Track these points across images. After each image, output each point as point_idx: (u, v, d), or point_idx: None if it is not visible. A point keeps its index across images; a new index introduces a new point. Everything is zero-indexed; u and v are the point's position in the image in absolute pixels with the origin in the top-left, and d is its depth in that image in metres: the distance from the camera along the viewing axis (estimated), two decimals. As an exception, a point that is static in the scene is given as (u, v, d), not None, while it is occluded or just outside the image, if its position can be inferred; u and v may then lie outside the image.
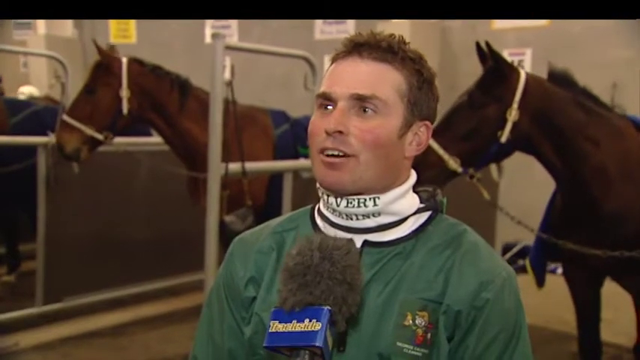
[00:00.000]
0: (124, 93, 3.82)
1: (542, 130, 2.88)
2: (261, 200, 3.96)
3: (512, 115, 2.83)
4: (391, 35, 1.22)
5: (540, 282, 3.32)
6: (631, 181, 2.93)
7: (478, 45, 2.97)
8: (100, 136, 3.86)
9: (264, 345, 1.07)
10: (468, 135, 2.90)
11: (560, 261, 3.35)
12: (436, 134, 2.85)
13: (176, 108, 3.93)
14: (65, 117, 3.87)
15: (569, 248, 2.96)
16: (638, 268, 2.90)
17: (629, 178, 2.93)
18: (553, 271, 4.52)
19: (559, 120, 2.89)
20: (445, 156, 2.88)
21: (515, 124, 2.85)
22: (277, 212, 3.74)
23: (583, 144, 2.89)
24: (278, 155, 4.18)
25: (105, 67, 3.85)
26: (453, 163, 2.90)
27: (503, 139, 2.86)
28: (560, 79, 2.97)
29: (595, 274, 3.12)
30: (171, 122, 3.96)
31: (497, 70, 2.88)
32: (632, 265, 2.89)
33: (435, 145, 2.86)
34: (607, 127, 2.94)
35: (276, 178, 3.93)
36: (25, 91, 6.88)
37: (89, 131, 3.82)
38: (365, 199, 1.21)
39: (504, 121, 2.84)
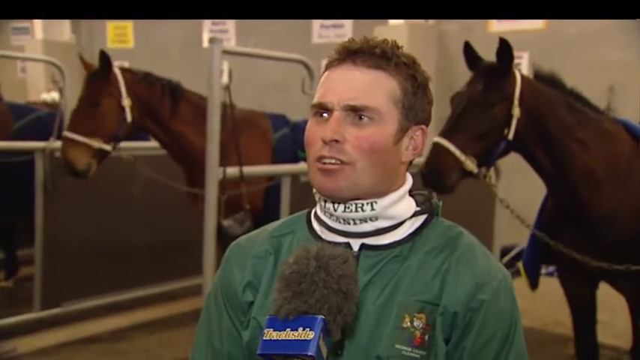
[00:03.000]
0: (126, 102, 3.81)
1: (533, 128, 2.90)
2: (258, 204, 3.96)
3: (516, 112, 2.85)
4: (384, 41, 1.23)
5: (533, 284, 3.33)
6: (621, 185, 2.95)
7: (467, 46, 2.97)
8: (108, 147, 3.81)
9: (257, 353, 1.08)
10: (482, 134, 2.89)
11: (554, 263, 3.35)
12: (451, 136, 2.85)
13: (168, 113, 3.94)
14: (69, 134, 3.76)
15: (562, 251, 2.98)
16: (635, 273, 2.91)
17: (619, 182, 2.95)
18: (551, 274, 4.53)
19: (548, 118, 2.91)
20: (462, 157, 2.87)
21: (517, 121, 2.87)
22: (275, 216, 3.75)
23: (570, 144, 2.91)
24: (277, 159, 4.18)
25: (103, 77, 3.81)
26: (470, 164, 2.88)
27: (511, 135, 2.88)
28: (548, 80, 2.99)
29: (589, 276, 3.13)
30: (165, 127, 3.96)
31: (503, 68, 2.89)
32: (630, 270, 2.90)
33: (452, 147, 2.85)
34: (596, 129, 2.96)
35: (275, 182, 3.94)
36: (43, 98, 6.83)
37: (97, 144, 3.76)
38: (362, 204, 1.21)
39: (510, 117, 2.86)
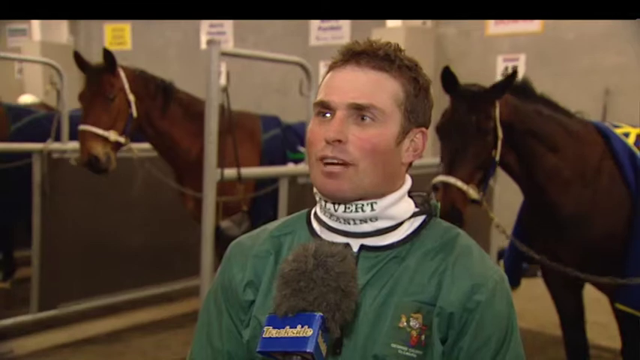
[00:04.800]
0: (131, 97, 3.83)
1: (507, 141, 2.90)
2: (247, 205, 3.97)
3: (500, 134, 2.86)
4: (388, 43, 1.24)
5: (513, 283, 3.34)
6: (589, 185, 2.99)
7: (446, 71, 2.91)
8: (123, 140, 3.82)
9: (257, 350, 1.09)
10: (481, 164, 2.87)
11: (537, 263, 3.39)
12: (457, 172, 2.80)
13: (159, 113, 3.96)
14: (89, 127, 3.73)
15: (542, 247, 3.04)
16: (608, 269, 2.94)
17: (588, 183, 2.99)
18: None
19: (519, 130, 2.91)
20: (464, 187, 2.82)
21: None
22: (264, 216, 3.76)
23: (538, 149, 2.93)
24: (265, 160, 4.20)
25: (111, 72, 3.82)
26: (473, 192, 2.85)
27: (498, 157, 2.89)
28: (520, 90, 2.99)
29: (572, 278, 3.15)
30: (154, 126, 3.98)
31: (494, 95, 2.87)
32: (602, 266, 2.94)
33: (460, 183, 2.80)
34: (563, 132, 2.99)
35: (262, 182, 3.95)
36: (22, 101, 6.83)
37: (114, 136, 3.75)
38: (362, 205, 1.22)
39: (496, 140, 2.86)
